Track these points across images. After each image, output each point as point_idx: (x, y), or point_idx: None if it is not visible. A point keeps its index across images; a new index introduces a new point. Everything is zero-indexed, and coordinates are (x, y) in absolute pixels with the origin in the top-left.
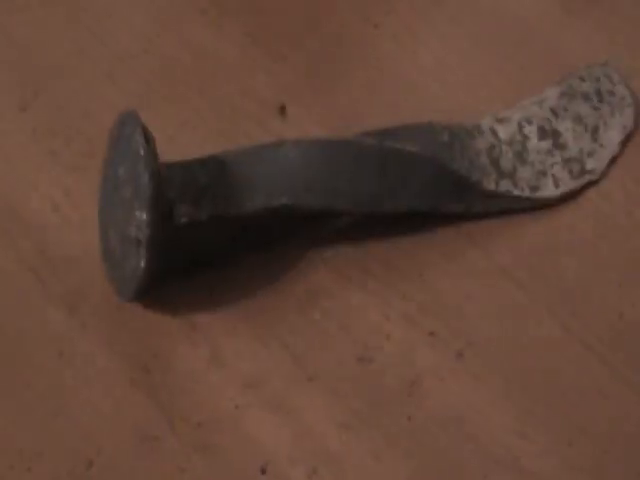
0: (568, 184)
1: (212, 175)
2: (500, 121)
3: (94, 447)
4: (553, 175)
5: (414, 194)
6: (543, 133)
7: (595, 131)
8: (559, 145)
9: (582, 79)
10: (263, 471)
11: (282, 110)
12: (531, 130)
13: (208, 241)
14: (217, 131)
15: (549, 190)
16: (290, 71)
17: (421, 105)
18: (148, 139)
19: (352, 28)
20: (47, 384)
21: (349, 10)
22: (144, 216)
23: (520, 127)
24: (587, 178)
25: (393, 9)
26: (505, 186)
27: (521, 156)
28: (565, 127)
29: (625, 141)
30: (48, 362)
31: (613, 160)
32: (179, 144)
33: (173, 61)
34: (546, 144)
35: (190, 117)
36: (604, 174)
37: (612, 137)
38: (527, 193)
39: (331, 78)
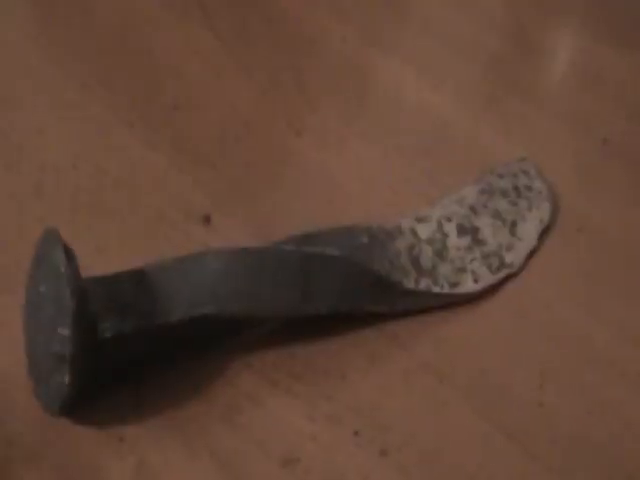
0: (487, 279)
1: (135, 289)
2: (420, 220)
3: None
4: (472, 270)
5: (336, 296)
6: (462, 230)
7: (513, 225)
8: (478, 241)
9: (500, 176)
10: None
11: (207, 220)
12: (450, 228)
13: (134, 353)
14: (144, 241)
15: (469, 285)
16: (217, 179)
17: (344, 205)
18: (69, 256)
19: (276, 135)
20: None
21: (274, 117)
22: (66, 332)
23: (439, 225)
24: (506, 272)
25: (316, 111)
26: (425, 284)
27: (441, 254)
28: (484, 223)
29: (542, 234)
30: None
31: (531, 253)
32: (105, 256)
33: (101, 173)
34: (465, 241)
35: (117, 228)
36: (522, 267)
37: (530, 230)
38: (447, 289)
39: (257, 185)
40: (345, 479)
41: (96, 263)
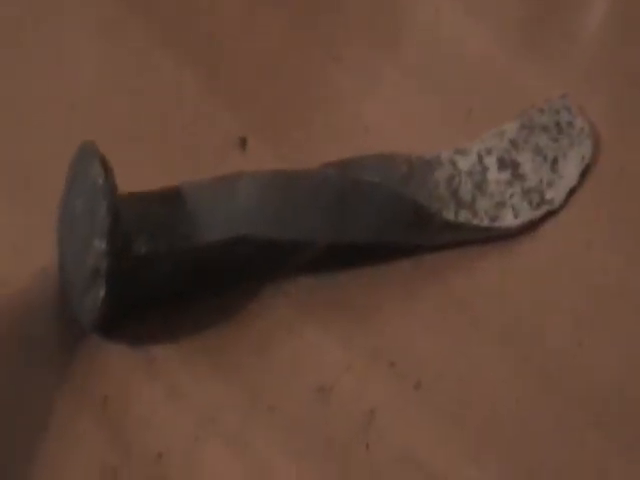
0: (527, 214)
1: (170, 207)
2: (460, 152)
3: (52, 476)
4: (512, 205)
5: (373, 225)
6: (503, 164)
7: (554, 162)
8: (519, 176)
9: (541, 112)
10: None
11: (243, 143)
12: (491, 161)
13: (167, 274)
14: (176, 163)
15: (508, 220)
16: (251, 106)
17: (380, 138)
18: (106, 170)
19: (313, 62)
20: (5, 415)
21: (310, 46)
22: (103, 246)
23: (480, 158)
24: (546, 208)
25: (353, 43)
26: (464, 216)
27: (480, 187)
28: (525, 158)
29: (584, 172)
30: (4, 396)
31: (572, 192)
32: (139, 177)
33: (135, 94)
34: (506, 175)
35: (151, 150)
36: (563, 205)
37: (571, 168)
38: (486, 223)
39: (291, 115)
40: (379, 409)
41: (129, 184)
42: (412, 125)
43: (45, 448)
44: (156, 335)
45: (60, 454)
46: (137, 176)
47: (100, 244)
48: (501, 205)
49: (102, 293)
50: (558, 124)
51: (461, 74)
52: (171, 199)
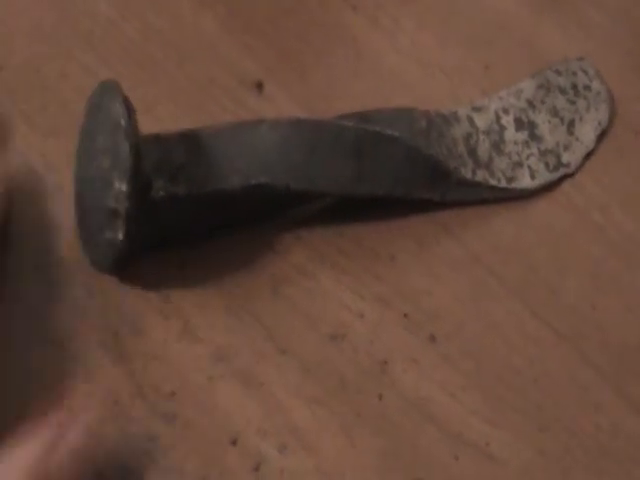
0: (544, 176)
1: (189, 151)
2: (477, 110)
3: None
4: (529, 166)
5: (390, 178)
6: (520, 124)
7: (571, 124)
8: (536, 137)
9: (558, 73)
10: (233, 442)
11: (259, 86)
12: (508, 120)
13: (184, 218)
14: (193, 104)
15: (525, 181)
16: (268, 48)
17: (398, 89)
18: (129, 110)
19: (331, 9)
20: (22, 342)
21: None
22: (123, 188)
23: (497, 117)
24: (563, 171)
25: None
26: (481, 175)
27: (498, 146)
28: (542, 119)
29: (600, 136)
30: (20, 322)
31: (588, 155)
32: (155, 113)
33: (151, 30)
34: (523, 135)
35: (166, 87)
36: (579, 168)
37: (588, 131)
38: (503, 183)
39: (309, 58)
40: (392, 360)
41: (145, 122)
42: (429, 77)
43: (58, 382)
44: (171, 276)
45: (72, 389)
46: (153, 112)
47: (121, 186)
48: (518, 166)
49: (121, 235)
50: (575, 86)
51: (480, 29)
52: (191, 143)
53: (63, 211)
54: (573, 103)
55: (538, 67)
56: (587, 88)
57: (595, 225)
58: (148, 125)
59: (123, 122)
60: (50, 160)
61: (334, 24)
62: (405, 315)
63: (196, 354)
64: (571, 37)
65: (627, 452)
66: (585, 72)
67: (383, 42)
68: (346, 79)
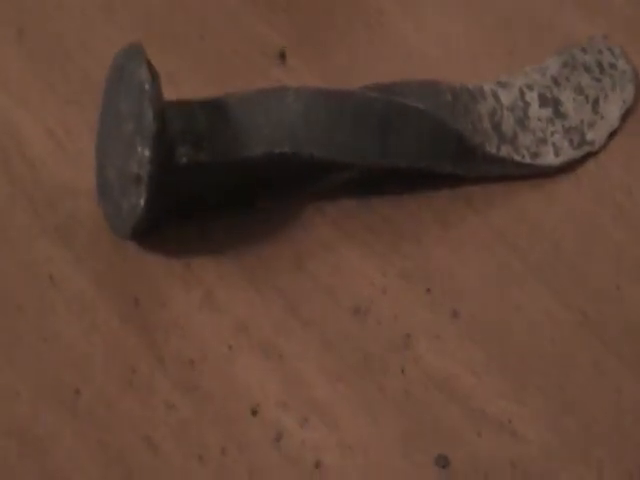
0: (568, 153)
1: (213, 118)
2: (502, 85)
3: (81, 376)
4: (553, 143)
5: (415, 151)
6: (544, 101)
7: (596, 103)
8: (560, 114)
9: (584, 51)
10: (254, 412)
11: (282, 56)
12: (532, 97)
13: (207, 186)
14: (216, 74)
15: (549, 158)
16: (291, 22)
17: (422, 68)
18: (154, 75)
19: None
20: (37, 309)
21: None
22: (146, 153)
23: (522, 93)
24: (587, 149)
25: None
26: (506, 151)
27: (522, 122)
28: (566, 96)
29: (625, 116)
30: (39, 289)
31: (612, 134)
32: (177, 84)
33: (173, 6)
34: (547, 112)
35: (190, 58)
36: (603, 147)
37: (612, 110)
38: (527, 159)
39: (332, 33)
40: (415, 335)
41: (168, 92)
42: (455, 54)
43: (77, 349)
44: (193, 245)
45: (89, 351)
46: (175, 82)
47: (144, 151)
48: (542, 142)
49: (142, 201)
50: (600, 64)
51: (504, 12)
52: (215, 110)
53: (84, 176)
54: (598, 81)
55: (564, 45)
56: (613, 66)
57: (618, 206)
58: (170, 93)
59: (147, 86)
60: (70, 127)
61: (358, 2)
62: (428, 290)
63: (217, 324)
64: (596, 20)
65: None
66: (611, 51)
67: (407, 22)
68: (369, 57)
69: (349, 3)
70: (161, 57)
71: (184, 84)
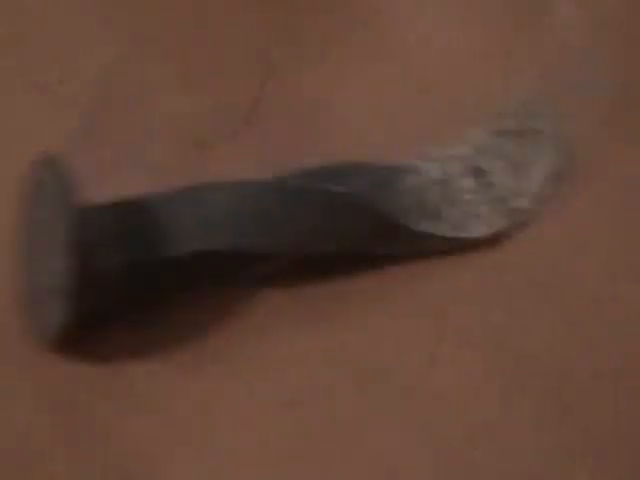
0: (496, 223)
1: (136, 219)
2: (427, 159)
3: None
4: (480, 215)
5: (343, 236)
6: (469, 172)
7: (522, 169)
8: (487, 184)
9: (507, 116)
10: None
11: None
12: (457, 169)
13: (131, 287)
14: (144, 167)
15: (477, 230)
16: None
17: (348, 140)
18: (68, 183)
19: (288, 70)
20: None
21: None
22: (65, 263)
23: (446, 166)
24: (515, 217)
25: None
26: (432, 227)
27: (448, 196)
28: (491, 166)
29: (554, 180)
30: None
31: (542, 200)
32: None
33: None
34: (472, 183)
35: (111, 154)
36: (533, 213)
37: (539, 174)
38: (455, 233)
39: (260, 117)
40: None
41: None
42: (376, 127)
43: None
44: (122, 349)
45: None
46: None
47: (63, 261)
48: (469, 215)
49: (63, 311)
50: (524, 130)
51: (431, 73)
52: (136, 211)
53: (5, 288)
54: (522, 146)
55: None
56: (536, 131)
57: (551, 280)
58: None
59: (62, 196)
60: None
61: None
62: (361, 372)
63: (150, 429)
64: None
65: None
66: (533, 114)
67: (333, 95)
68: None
69: (282, 83)
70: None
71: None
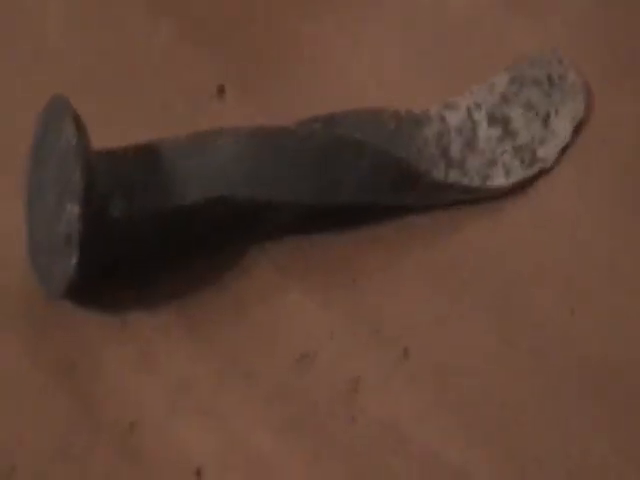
0: (519, 173)
1: (147, 166)
2: (449, 107)
3: (17, 452)
4: (504, 164)
5: (358, 185)
6: (493, 120)
7: (546, 118)
8: (509, 132)
9: (532, 64)
10: (198, 474)
11: (220, 91)
12: (481, 116)
13: (142, 237)
14: (152, 114)
15: (500, 180)
16: (228, 57)
17: (364, 96)
18: (80, 128)
19: (290, 22)
20: None
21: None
22: (75, 210)
23: (469, 113)
24: (538, 167)
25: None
26: (454, 176)
27: (471, 144)
28: (516, 113)
29: (576, 129)
30: None
31: (564, 149)
32: (111, 129)
33: (104, 44)
34: (496, 131)
35: (124, 100)
36: (555, 163)
37: (564, 125)
38: (477, 183)
39: (270, 66)
40: (364, 380)
41: (101, 137)
42: (397, 79)
43: (12, 421)
44: (130, 299)
45: (27, 426)
46: (110, 129)
47: (73, 208)
48: (492, 164)
49: (74, 260)
50: (550, 78)
51: (448, 29)
52: (147, 157)
53: (14, 241)
54: (548, 95)
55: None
56: (562, 79)
57: (572, 223)
58: (104, 139)
59: (74, 141)
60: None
61: (293, 33)
62: (377, 331)
63: (156, 383)
64: (544, 30)
65: None
66: (560, 63)
67: (346, 54)
68: (310, 89)
69: (287, 38)
70: (93, 102)
71: (119, 128)
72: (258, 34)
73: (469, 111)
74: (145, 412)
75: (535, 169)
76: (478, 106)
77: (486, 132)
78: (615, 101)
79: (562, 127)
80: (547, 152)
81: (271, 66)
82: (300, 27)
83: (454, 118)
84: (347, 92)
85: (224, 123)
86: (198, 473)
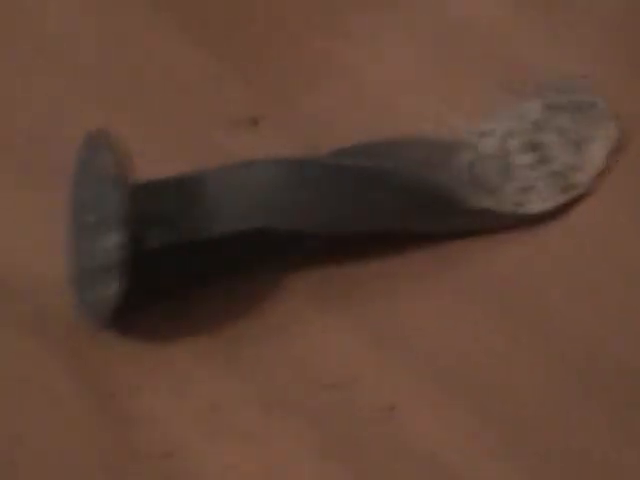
0: (553, 199)
1: (183, 197)
2: (481, 134)
3: (57, 475)
4: (538, 190)
5: (391, 214)
6: (527, 147)
7: (580, 144)
8: (544, 159)
9: (560, 91)
10: None
11: (254, 122)
12: (514, 144)
13: (179, 266)
14: (187, 144)
15: (534, 206)
16: (260, 84)
17: (394, 118)
18: (119, 158)
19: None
20: (6, 408)
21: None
22: (116, 239)
23: (503, 141)
24: (573, 193)
25: (349, 22)
26: (488, 203)
27: (504, 171)
28: (549, 140)
29: (610, 155)
30: (8, 385)
31: (599, 174)
32: (147, 159)
33: (139, 73)
34: (530, 158)
35: (159, 130)
36: (590, 189)
37: (597, 150)
38: (511, 209)
39: (303, 91)
40: (400, 403)
41: (137, 166)
42: (426, 100)
43: (50, 448)
44: (167, 328)
45: (66, 454)
46: (145, 158)
47: (113, 237)
48: (526, 190)
49: (114, 289)
50: (579, 104)
51: (473, 50)
52: (184, 188)
53: (55, 267)
54: (580, 122)
55: (537, 86)
56: (592, 106)
57: (607, 254)
58: (140, 169)
59: (112, 170)
60: (41, 218)
61: (321, 54)
62: (407, 356)
63: (195, 411)
64: (565, 52)
65: None
66: (587, 90)
67: (376, 74)
68: (343, 113)
69: (315, 59)
70: (129, 132)
71: (153, 159)
72: (286, 59)
73: (502, 139)
74: (183, 439)
75: (570, 195)
76: (511, 133)
77: (520, 159)
78: None
79: (596, 153)
80: (582, 178)
81: (302, 92)
82: (323, 49)
83: (487, 145)
84: (379, 117)
85: (257, 153)
86: None
